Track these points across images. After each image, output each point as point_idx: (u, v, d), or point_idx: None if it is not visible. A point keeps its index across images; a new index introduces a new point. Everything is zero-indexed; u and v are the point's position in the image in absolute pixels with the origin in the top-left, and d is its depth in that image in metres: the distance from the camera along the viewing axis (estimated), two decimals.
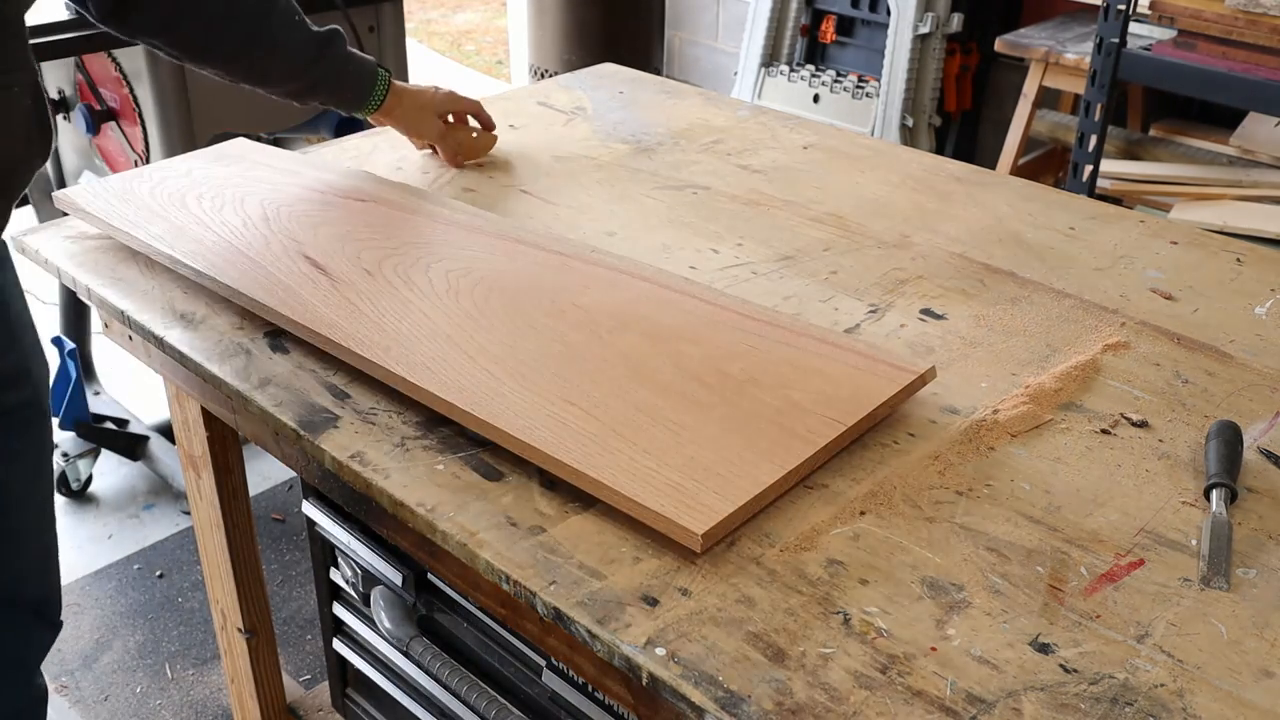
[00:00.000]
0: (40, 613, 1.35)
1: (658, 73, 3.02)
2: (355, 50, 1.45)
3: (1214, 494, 0.93)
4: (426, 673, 1.27)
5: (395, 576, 1.23)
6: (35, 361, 1.27)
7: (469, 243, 1.26)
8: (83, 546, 2.35)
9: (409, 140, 1.60)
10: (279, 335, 1.17)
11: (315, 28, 1.39)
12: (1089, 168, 2.49)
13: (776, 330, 1.10)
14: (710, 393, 1.01)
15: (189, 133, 2.16)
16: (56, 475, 2.41)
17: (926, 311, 1.22)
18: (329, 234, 1.28)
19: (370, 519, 1.06)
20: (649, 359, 1.06)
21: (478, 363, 1.05)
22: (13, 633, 1.32)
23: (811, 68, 3.49)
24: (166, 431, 2.45)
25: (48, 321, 2.50)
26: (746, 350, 1.07)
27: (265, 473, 2.50)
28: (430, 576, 1.22)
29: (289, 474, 2.50)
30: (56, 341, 2.49)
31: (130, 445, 2.47)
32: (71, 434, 2.43)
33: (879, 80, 3.26)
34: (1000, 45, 2.94)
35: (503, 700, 1.19)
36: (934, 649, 0.79)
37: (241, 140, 1.54)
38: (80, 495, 2.48)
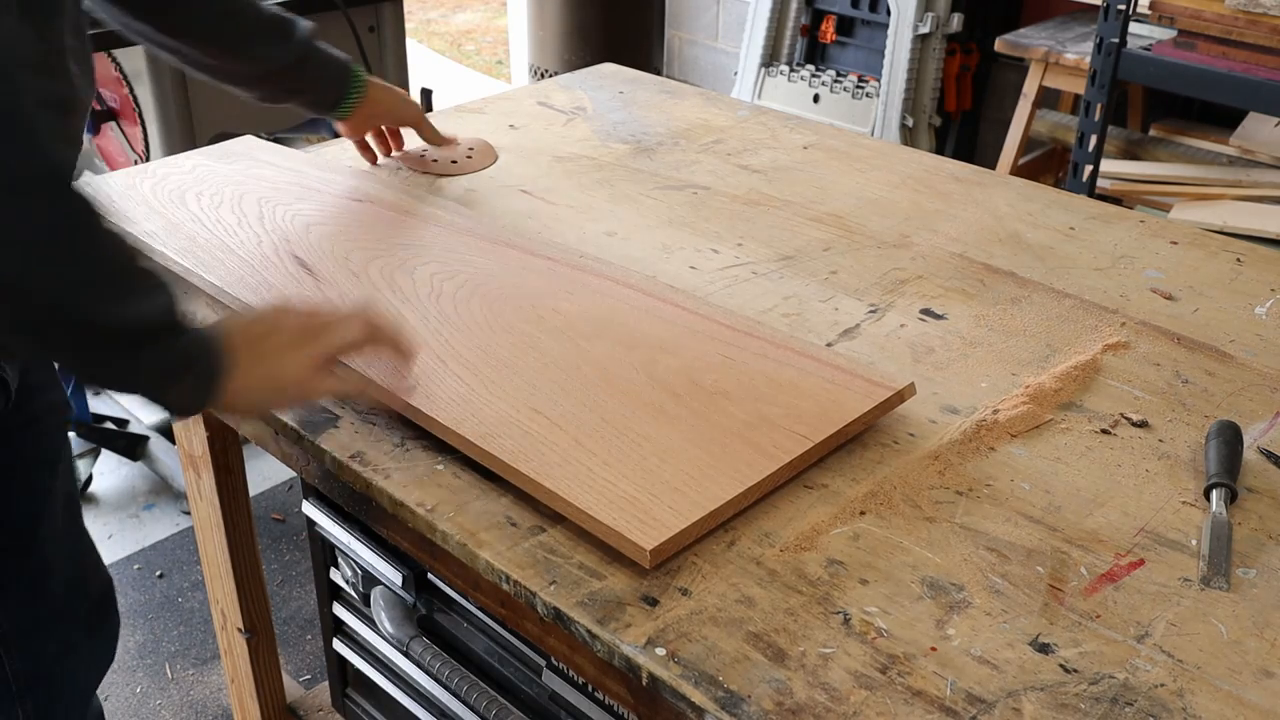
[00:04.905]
0: (93, 625, 1.29)
1: (658, 73, 3.02)
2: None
3: (1214, 494, 0.93)
4: (426, 673, 1.26)
5: (395, 576, 1.23)
6: (53, 367, 1.26)
7: (459, 246, 1.26)
8: None
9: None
10: None
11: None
12: (1089, 168, 2.49)
13: (756, 341, 1.09)
14: (679, 404, 1.00)
15: (189, 133, 2.16)
16: None
17: (926, 311, 1.22)
18: (321, 234, 1.27)
19: (370, 519, 1.06)
20: (622, 368, 1.05)
21: (448, 367, 1.04)
22: (73, 653, 1.24)
23: (811, 68, 3.49)
24: (166, 431, 2.45)
25: None
26: (722, 361, 1.06)
27: (265, 473, 2.50)
28: (430, 576, 1.22)
29: (289, 474, 2.50)
30: None
31: (130, 445, 2.48)
32: (71, 434, 2.43)
33: (879, 80, 3.26)
34: (1000, 45, 2.94)
35: (503, 700, 1.19)
36: (934, 649, 0.79)
37: (248, 138, 1.54)
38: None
